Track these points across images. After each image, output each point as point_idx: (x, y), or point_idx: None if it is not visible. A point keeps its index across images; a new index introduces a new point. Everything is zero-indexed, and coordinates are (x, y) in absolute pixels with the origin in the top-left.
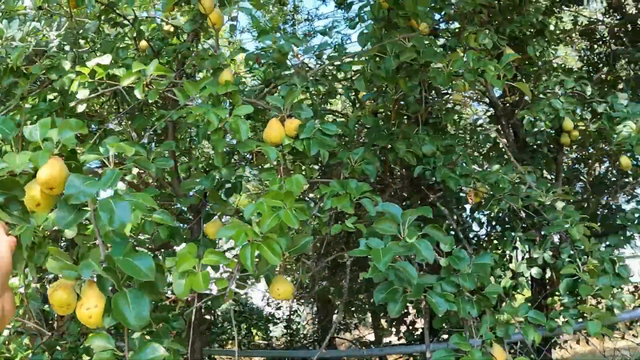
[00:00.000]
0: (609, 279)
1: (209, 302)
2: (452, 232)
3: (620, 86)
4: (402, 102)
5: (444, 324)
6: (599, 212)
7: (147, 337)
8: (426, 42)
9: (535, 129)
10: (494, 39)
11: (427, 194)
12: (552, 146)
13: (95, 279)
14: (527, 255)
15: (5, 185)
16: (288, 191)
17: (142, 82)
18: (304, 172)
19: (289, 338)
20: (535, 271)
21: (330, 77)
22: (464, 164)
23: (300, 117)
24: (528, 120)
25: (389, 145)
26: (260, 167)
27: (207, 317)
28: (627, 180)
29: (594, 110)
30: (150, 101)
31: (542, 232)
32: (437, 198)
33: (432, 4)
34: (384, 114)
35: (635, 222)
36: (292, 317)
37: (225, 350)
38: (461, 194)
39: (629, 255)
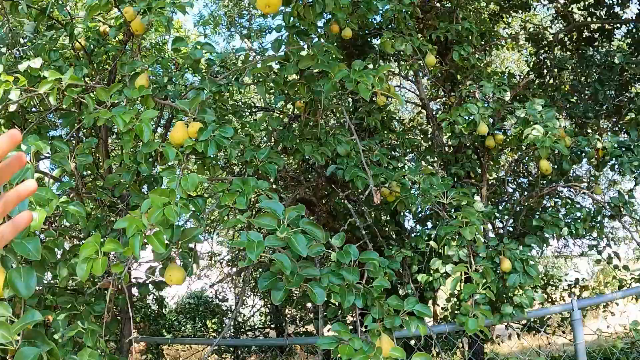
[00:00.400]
0: (518, 277)
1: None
2: (365, 229)
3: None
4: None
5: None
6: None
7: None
8: (326, 50)
9: (456, 132)
10: (417, 44)
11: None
12: (478, 149)
13: None
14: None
15: None
16: (171, 189)
17: (55, 90)
18: (207, 171)
19: (232, 330)
20: (449, 268)
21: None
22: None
23: (204, 120)
24: (446, 123)
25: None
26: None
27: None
28: (543, 182)
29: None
30: (64, 106)
31: (439, 232)
32: (345, 196)
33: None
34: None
35: (551, 223)
36: (236, 307)
37: (160, 338)
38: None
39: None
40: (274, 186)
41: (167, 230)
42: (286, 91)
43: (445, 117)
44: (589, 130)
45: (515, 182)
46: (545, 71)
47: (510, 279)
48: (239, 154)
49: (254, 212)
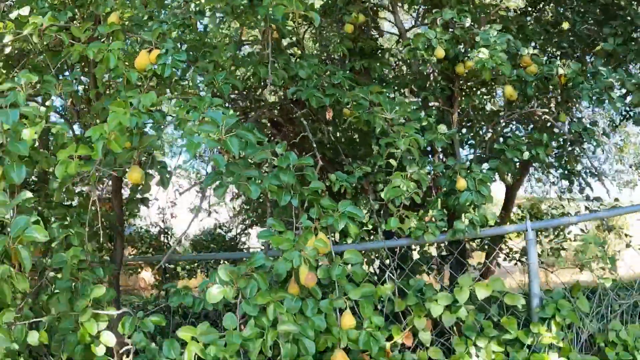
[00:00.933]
0: (470, 195)
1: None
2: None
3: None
4: None
5: None
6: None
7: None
8: None
9: (417, 58)
10: None
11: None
12: (449, 76)
13: None
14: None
15: None
16: (125, 101)
17: (37, 30)
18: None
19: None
20: (412, 186)
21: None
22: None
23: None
24: (408, 49)
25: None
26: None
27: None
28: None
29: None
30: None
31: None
32: (301, 114)
33: None
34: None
35: (513, 147)
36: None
37: (150, 257)
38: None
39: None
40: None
41: (124, 136)
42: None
43: (407, 43)
44: (558, 60)
45: (483, 110)
46: (541, 4)
47: (463, 196)
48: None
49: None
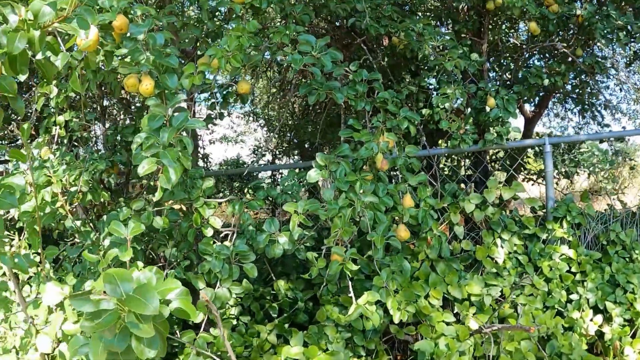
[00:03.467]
0: (498, 111)
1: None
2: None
3: None
4: None
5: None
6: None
7: None
8: None
9: None
10: None
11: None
12: (480, 11)
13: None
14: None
15: None
16: (243, 28)
17: None
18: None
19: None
20: (447, 104)
21: None
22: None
23: None
24: None
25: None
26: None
27: None
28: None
29: None
30: None
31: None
32: (361, 42)
33: None
34: None
35: (534, 75)
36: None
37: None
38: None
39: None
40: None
41: (241, 54)
42: None
43: None
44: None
45: (509, 43)
46: None
47: (492, 112)
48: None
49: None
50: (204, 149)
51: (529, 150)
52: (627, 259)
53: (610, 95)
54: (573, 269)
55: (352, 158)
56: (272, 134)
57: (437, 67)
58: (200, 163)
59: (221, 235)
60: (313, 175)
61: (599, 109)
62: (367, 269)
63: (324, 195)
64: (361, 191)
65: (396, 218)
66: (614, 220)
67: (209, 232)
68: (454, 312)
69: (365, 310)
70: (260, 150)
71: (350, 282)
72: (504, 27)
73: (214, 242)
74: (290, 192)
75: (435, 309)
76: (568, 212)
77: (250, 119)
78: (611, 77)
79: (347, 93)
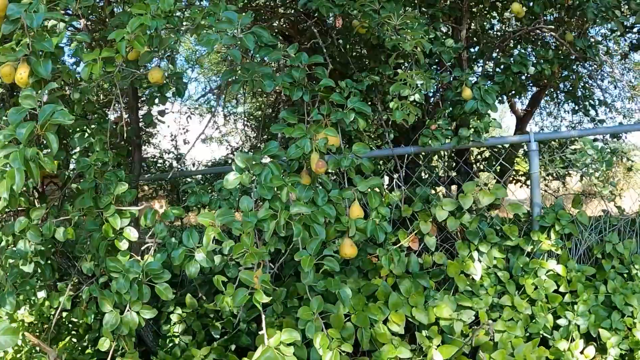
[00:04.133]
0: (476, 103)
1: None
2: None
3: None
4: None
5: None
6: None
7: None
8: None
9: None
10: None
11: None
12: None
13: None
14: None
15: None
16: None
17: None
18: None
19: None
20: (417, 96)
21: None
22: None
23: None
24: None
25: None
26: None
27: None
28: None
29: None
30: None
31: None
32: (313, 23)
33: None
34: None
35: (519, 62)
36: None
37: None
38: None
39: None
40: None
41: (145, 36)
42: None
43: None
44: None
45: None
46: None
47: (468, 104)
48: None
49: None
50: (178, 149)
51: (520, 150)
52: (625, 276)
53: (605, 93)
54: (562, 288)
55: (286, 159)
56: (241, 130)
57: (396, 49)
58: (175, 164)
59: (143, 247)
60: (231, 180)
61: (593, 103)
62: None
63: (240, 205)
64: (290, 199)
65: (340, 232)
66: (610, 229)
67: (123, 245)
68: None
69: (277, 356)
70: (240, 149)
71: (263, 314)
72: (485, 12)
73: (132, 257)
74: (228, 198)
75: (392, 338)
76: (557, 220)
77: (233, 118)
78: (605, 74)
79: (281, 80)
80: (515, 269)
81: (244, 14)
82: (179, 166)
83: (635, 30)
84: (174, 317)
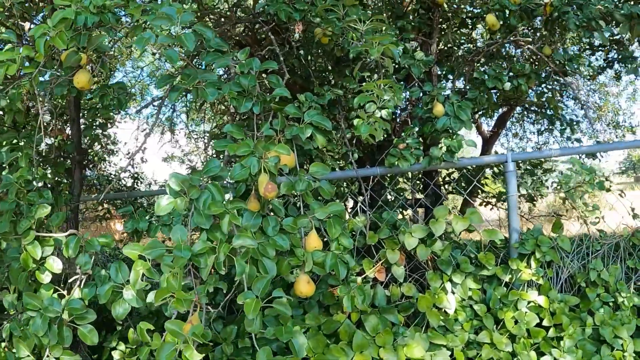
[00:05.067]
0: (449, 120)
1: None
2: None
3: None
4: None
5: None
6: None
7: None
8: None
9: None
10: None
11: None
12: (429, 5)
13: None
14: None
15: None
16: None
17: None
18: None
19: None
20: (385, 113)
21: None
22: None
23: None
24: None
25: None
26: None
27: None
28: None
29: None
30: None
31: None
32: (270, 29)
33: None
34: None
35: (494, 77)
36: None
37: (113, 195)
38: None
39: None
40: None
41: (68, 31)
42: None
43: None
44: None
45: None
46: None
47: (440, 122)
48: None
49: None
50: (134, 167)
51: (487, 170)
52: (611, 304)
53: (572, 113)
54: (545, 322)
55: (231, 181)
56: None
57: (361, 56)
58: (130, 183)
59: (70, 280)
60: (163, 205)
61: (568, 122)
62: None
63: (172, 236)
64: (234, 228)
65: (295, 267)
66: (592, 254)
67: (45, 277)
68: None
69: None
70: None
71: None
72: (455, 29)
73: (56, 290)
74: (169, 224)
75: None
76: (537, 246)
77: (194, 136)
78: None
79: (228, 89)
80: (493, 301)
81: (184, 9)
82: (136, 185)
83: (610, 47)
84: (116, 355)
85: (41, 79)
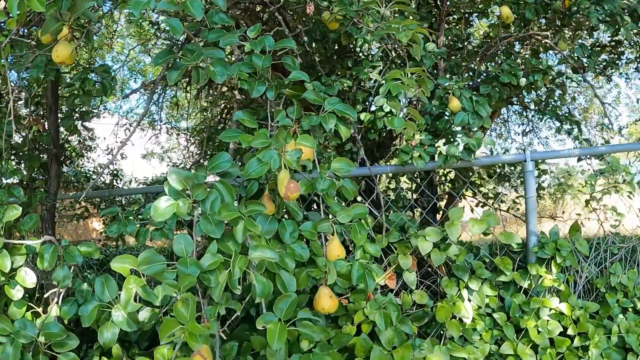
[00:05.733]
0: (467, 116)
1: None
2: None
3: None
4: None
5: None
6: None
7: None
8: None
9: None
10: None
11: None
12: None
13: None
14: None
15: None
16: None
17: None
18: None
19: None
20: (401, 96)
21: None
22: None
23: None
24: None
25: None
26: None
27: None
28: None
29: None
30: None
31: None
32: (275, 9)
33: None
34: None
35: (509, 72)
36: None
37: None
38: None
39: None
40: None
41: None
42: None
43: None
44: None
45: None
46: None
47: (458, 117)
48: None
49: None
50: (114, 164)
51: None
52: (630, 310)
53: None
54: (569, 331)
55: (241, 179)
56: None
57: (380, 44)
58: (108, 180)
59: (46, 294)
60: (162, 208)
61: (576, 120)
62: None
63: (175, 248)
64: (248, 238)
65: (315, 279)
66: (610, 259)
67: (16, 293)
68: None
69: None
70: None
71: None
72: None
73: (30, 309)
74: (161, 228)
75: None
76: (557, 251)
77: (176, 133)
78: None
79: (237, 70)
80: (513, 309)
81: None
82: (115, 183)
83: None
84: None
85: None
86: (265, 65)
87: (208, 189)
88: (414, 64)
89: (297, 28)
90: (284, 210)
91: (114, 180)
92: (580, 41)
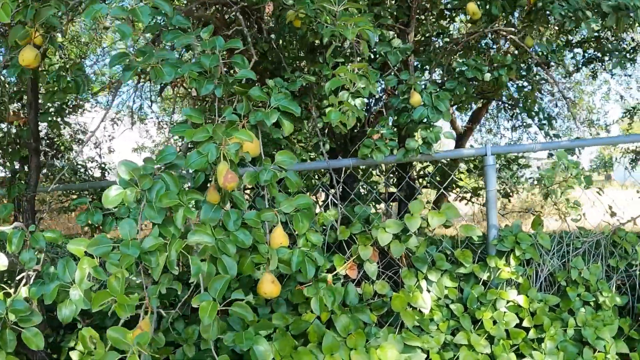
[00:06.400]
0: (426, 110)
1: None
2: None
3: None
4: None
5: None
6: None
7: None
8: None
9: None
10: None
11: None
12: None
13: None
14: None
15: None
16: None
17: None
18: None
19: None
20: (359, 102)
21: None
22: None
23: None
24: None
25: None
26: None
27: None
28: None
29: None
30: None
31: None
32: (238, 9)
33: None
34: None
35: (474, 68)
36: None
37: (74, 185)
38: None
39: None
40: None
41: (13, 2)
42: None
43: None
44: None
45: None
46: None
47: (417, 112)
48: None
49: None
50: (102, 157)
51: (462, 165)
52: (592, 304)
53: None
54: (525, 322)
55: (189, 170)
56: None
57: (334, 41)
58: (97, 174)
59: (17, 277)
60: (112, 196)
61: (547, 116)
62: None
63: (120, 230)
64: (190, 223)
65: (258, 265)
66: (573, 252)
67: None
68: None
69: None
70: None
71: None
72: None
73: (3, 289)
74: (127, 216)
75: None
76: (517, 244)
77: (165, 127)
78: (545, 92)
79: (187, 70)
80: (471, 301)
81: None
82: (105, 176)
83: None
84: (74, 355)
85: None
86: (213, 65)
87: (155, 180)
88: (381, 60)
89: (259, 29)
90: (231, 200)
91: (103, 174)
92: (545, 38)
